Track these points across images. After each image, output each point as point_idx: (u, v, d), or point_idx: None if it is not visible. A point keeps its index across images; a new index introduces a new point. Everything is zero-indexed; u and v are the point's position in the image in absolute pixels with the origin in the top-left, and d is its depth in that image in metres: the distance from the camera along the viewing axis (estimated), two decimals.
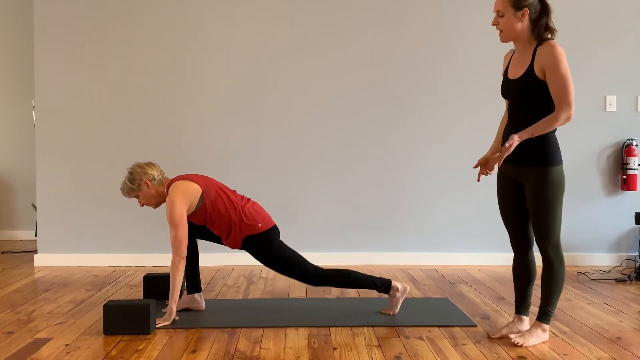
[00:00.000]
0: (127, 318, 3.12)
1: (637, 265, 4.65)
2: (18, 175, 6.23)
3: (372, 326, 3.28)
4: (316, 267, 3.46)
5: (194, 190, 3.36)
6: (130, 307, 3.15)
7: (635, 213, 4.71)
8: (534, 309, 3.21)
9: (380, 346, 2.98)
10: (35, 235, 5.42)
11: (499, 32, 2.93)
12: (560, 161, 2.96)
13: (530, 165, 2.92)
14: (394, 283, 3.48)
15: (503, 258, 4.88)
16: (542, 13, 2.88)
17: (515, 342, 2.97)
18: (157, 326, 3.23)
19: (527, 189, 2.96)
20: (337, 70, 4.98)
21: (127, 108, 4.96)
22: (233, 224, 3.39)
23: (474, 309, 3.65)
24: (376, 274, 4.64)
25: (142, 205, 3.53)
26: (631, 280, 4.43)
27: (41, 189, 4.98)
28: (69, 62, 4.93)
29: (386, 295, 3.57)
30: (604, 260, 5.02)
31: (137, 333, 3.12)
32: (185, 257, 3.30)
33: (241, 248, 3.47)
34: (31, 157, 5.94)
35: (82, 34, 4.93)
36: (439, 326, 3.29)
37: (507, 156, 2.94)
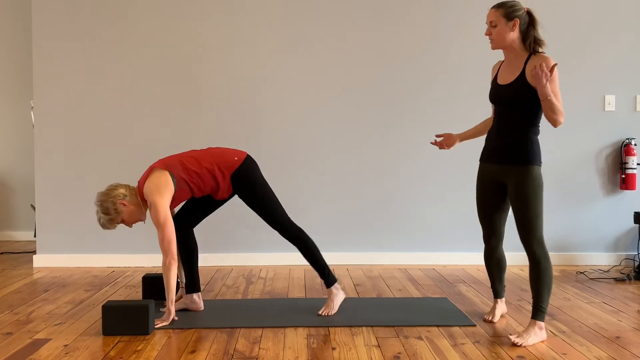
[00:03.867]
0: (126, 319, 3.11)
1: (636, 264, 4.66)
2: (17, 175, 6.23)
3: (371, 326, 3.28)
4: (292, 222, 3.52)
5: (164, 177, 3.30)
6: (129, 307, 3.15)
7: (634, 212, 4.72)
8: (529, 309, 3.21)
9: (379, 346, 2.98)
10: (34, 236, 5.42)
11: (491, 41, 3.12)
12: (540, 162, 3.09)
13: (513, 165, 3.07)
14: (338, 283, 3.57)
15: None
16: (530, 25, 3.05)
17: (515, 342, 2.99)
18: (155, 327, 3.23)
19: (511, 187, 3.09)
20: (335, 71, 4.97)
21: (125, 108, 4.96)
22: (213, 172, 3.39)
23: (473, 309, 3.66)
24: (375, 274, 4.65)
25: (131, 226, 3.47)
26: (630, 280, 4.43)
27: (40, 189, 4.97)
28: (68, 62, 4.93)
29: (327, 294, 3.59)
30: (603, 259, 5.02)
31: (136, 334, 3.12)
32: (176, 259, 3.26)
33: (234, 192, 3.46)
34: (30, 157, 5.94)
35: (81, 34, 4.93)
36: (438, 326, 3.29)
37: (491, 154, 3.18)
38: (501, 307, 3.46)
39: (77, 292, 4.09)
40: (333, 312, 3.47)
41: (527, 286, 4.21)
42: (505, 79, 3.11)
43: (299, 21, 4.96)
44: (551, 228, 5.03)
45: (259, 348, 2.96)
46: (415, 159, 5.00)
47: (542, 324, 3.05)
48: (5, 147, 6.24)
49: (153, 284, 3.77)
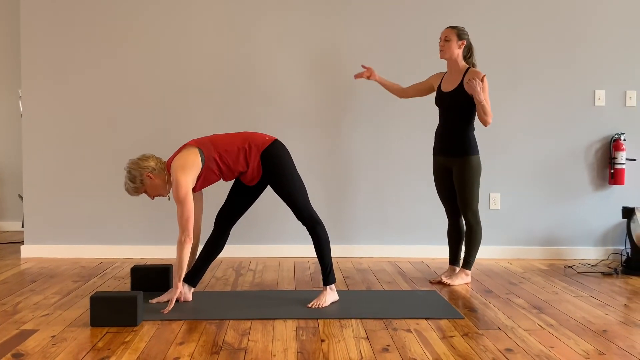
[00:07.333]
0: (114, 310, 3.10)
1: (624, 258, 4.69)
2: (4, 165, 6.18)
3: (360, 318, 3.29)
4: (314, 212, 3.55)
5: (192, 155, 3.35)
6: (117, 298, 3.13)
7: (622, 207, 4.74)
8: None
9: (368, 338, 2.99)
10: (22, 226, 5.39)
11: (440, 51, 3.98)
12: (477, 152, 3.96)
13: (455, 156, 3.96)
14: (335, 286, 3.60)
15: (491, 251, 4.93)
16: (470, 50, 3.99)
17: (445, 282, 4.00)
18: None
19: (454, 172, 3.98)
20: (325, 65, 4.96)
21: (114, 97, 4.93)
22: (244, 149, 3.41)
23: (461, 302, 3.67)
24: (364, 266, 4.65)
25: (153, 198, 3.53)
26: (617, 274, 4.46)
27: (28, 179, 4.93)
28: (56, 50, 4.89)
29: (321, 287, 3.66)
30: (590, 253, 5.05)
31: (124, 325, 3.10)
32: (191, 237, 3.31)
33: (263, 171, 3.45)
34: (18, 147, 5.90)
35: (69, 22, 4.88)
36: (426, 318, 3.30)
37: (439, 148, 4.04)
38: (451, 273, 4.15)
39: (65, 283, 4.06)
40: (323, 306, 3.48)
41: (517, 280, 4.25)
42: (447, 87, 3.98)
43: (293, 16, 4.94)
44: (540, 222, 5.06)
45: (248, 340, 2.95)
46: (405, 152, 5.00)
47: (469, 271, 4.07)
48: None
49: (141, 276, 3.75)
